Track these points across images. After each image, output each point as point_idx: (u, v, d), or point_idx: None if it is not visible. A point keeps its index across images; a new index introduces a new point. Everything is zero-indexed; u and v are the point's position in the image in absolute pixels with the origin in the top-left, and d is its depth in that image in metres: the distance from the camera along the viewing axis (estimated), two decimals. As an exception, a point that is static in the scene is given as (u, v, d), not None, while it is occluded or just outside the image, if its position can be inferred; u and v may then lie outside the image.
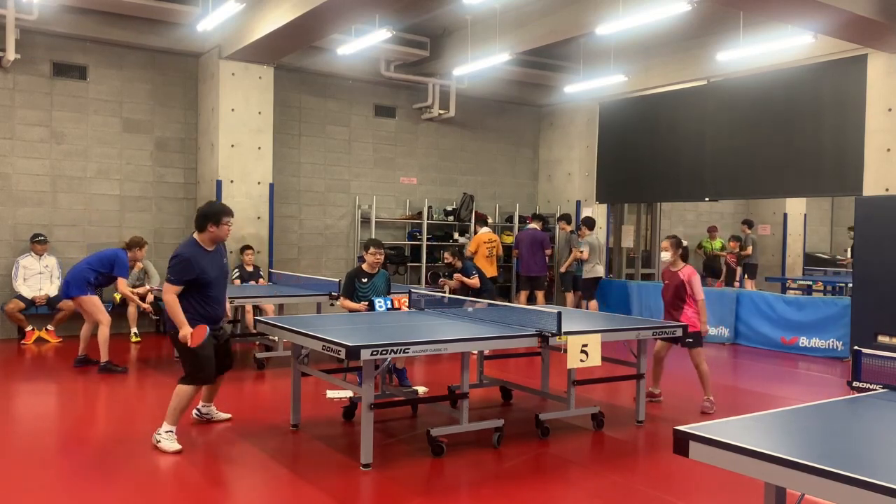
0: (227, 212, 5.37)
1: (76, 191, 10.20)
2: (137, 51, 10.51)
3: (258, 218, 10.62)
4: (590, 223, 11.88)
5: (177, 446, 5.13)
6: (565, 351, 5.35)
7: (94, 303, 7.81)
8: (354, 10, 8.20)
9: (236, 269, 10.04)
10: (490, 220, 13.08)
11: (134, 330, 9.81)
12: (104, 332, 7.72)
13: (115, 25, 10.02)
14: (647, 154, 12.49)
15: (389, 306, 6.92)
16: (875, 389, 3.73)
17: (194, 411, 5.90)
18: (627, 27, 8.45)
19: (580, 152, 13.60)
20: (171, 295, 5.13)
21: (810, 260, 16.62)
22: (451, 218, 13.07)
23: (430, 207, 12.82)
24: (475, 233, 12.10)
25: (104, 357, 7.74)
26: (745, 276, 14.41)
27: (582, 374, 6.01)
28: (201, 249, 5.27)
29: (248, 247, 10.22)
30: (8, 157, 9.74)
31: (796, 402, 4.04)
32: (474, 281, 9.38)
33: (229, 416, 5.98)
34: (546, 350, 6.18)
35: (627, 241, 14.37)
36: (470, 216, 13.09)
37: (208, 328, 5.21)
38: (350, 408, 6.07)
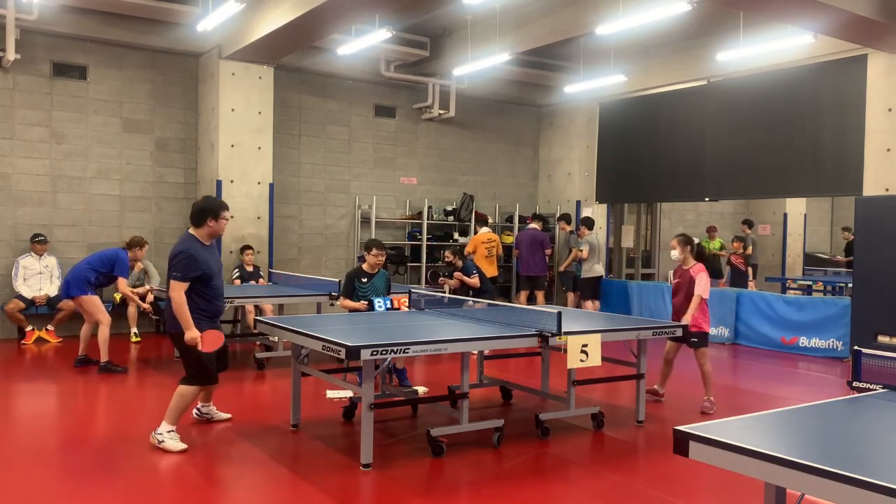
0: (225, 206, 5.44)
1: (76, 191, 10.20)
2: (137, 51, 10.51)
3: (258, 218, 10.62)
4: (589, 223, 11.89)
5: (182, 445, 5.13)
6: (565, 351, 5.35)
7: (94, 303, 7.82)
8: (354, 10, 8.20)
9: (236, 269, 10.04)
10: (490, 220, 13.07)
11: (134, 330, 9.81)
12: (104, 332, 7.72)
13: (115, 25, 10.03)
14: (647, 154, 12.49)
15: (389, 306, 6.92)
16: (875, 389, 3.73)
17: (194, 411, 5.91)
18: (627, 27, 8.45)
19: (580, 152, 13.60)
20: (179, 293, 5.09)
21: (810, 260, 16.61)
22: (451, 218, 13.07)
23: (430, 207, 12.82)
24: (475, 233, 12.09)
25: (104, 357, 7.75)
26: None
27: (582, 374, 6.01)
28: (200, 244, 5.29)
29: (248, 247, 10.21)
30: (8, 157, 9.74)
31: (796, 402, 4.05)
32: (474, 280, 9.38)
33: (229, 416, 5.99)
34: (546, 350, 6.18)
35: (627, 241, 14.37)
36: (470, 216, 13.09)
37: (224, 336, 5.22)
38: (350, 408, 6.07)
